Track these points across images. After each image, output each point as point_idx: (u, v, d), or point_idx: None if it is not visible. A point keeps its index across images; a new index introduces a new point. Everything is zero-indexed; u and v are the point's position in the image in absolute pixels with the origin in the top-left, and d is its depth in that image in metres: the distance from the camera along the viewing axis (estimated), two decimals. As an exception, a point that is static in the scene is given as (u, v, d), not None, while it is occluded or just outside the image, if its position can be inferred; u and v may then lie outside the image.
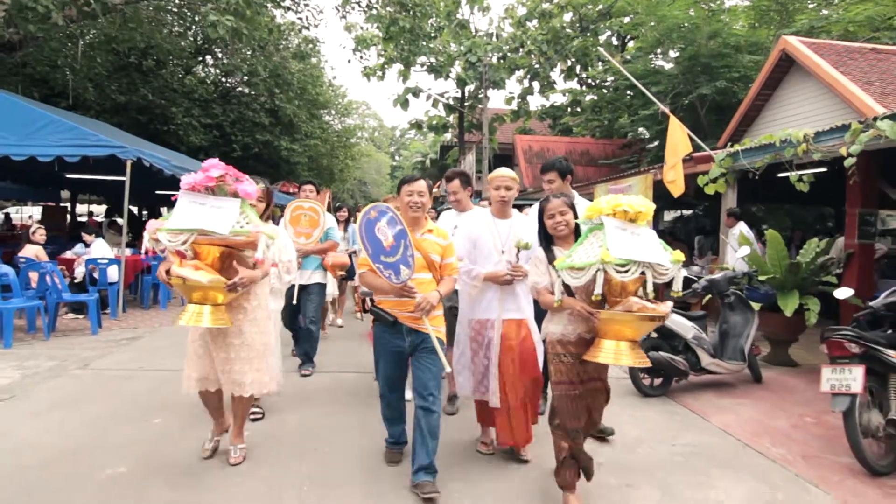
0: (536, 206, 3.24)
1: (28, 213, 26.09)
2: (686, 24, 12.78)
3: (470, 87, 21.84)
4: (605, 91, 19.54)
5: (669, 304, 2.44)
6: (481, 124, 19.83)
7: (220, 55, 17.14)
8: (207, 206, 2.72)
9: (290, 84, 16.86)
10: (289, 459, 3.17)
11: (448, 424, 3.48)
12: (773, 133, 6.64)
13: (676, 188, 6.73)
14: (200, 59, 17.83)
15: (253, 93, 17.45)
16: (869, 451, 3.23)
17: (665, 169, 6.97)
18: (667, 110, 7.20)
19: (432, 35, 13.29)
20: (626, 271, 2.33)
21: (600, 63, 19.99)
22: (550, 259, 2.72)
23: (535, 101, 23.61)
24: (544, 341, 2.81)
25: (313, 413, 3.92)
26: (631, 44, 19.04)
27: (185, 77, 17.01)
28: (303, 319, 4.84)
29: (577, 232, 2.77)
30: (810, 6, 13.72)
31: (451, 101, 22.48)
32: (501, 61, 21.03)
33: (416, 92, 21.41)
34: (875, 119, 4.31)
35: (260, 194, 3.17)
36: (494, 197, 3.31)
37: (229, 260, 2.85)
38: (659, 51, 15.32)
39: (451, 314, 3.47)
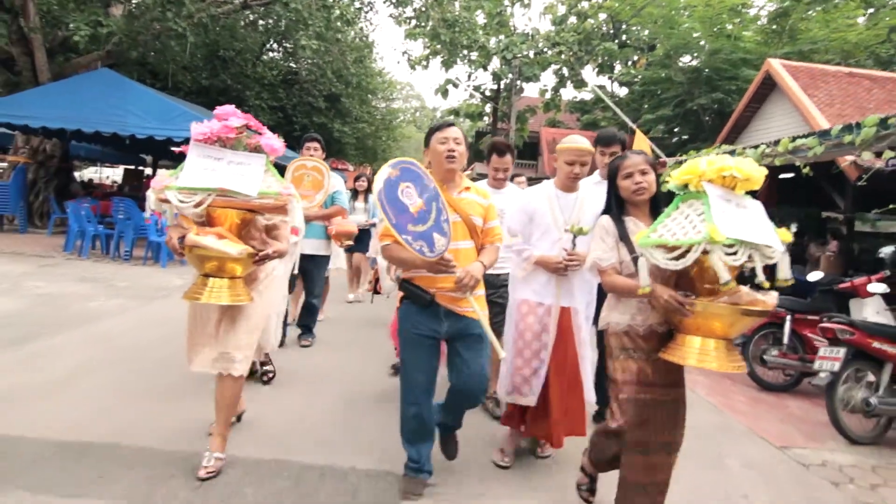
0: (596, 175, 3.19)
1: (106, 175, 29.78)
2: (690, 41, 14.63)
3: (505, 81, 23.87)
4: (635, 88, 21.38)
5: (775, 294, 2.01)
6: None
7: (287, 46, 19.75)
8: (225, 162, 2.34)
9: (349, 83, 19.57)
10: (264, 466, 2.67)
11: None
12: (761, 139, 8.22)
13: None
14: (268, 47, 20.52)
15: (313, 79, 20.12)
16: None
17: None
18: (634, 126, 9.28)
19: (468, 45, 15.49)
20: (734, 253, 1.87)
21: (630, 63, 21.79)
22: (621, 232, 2.25)
23: (568, 93, 25.35)
24: (604, 332, 2.33)
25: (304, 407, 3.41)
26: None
27: (256, 64, 19.74)
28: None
29: (653, 202, 2.33)
30: (817, 26, 15.24)
31: (488, 93, 24.59)
32: (536, 56, 22.95)
33: (455, 83, 23.58)
34: (745, 147, 6.38)
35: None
36: (567, 173, 2.78)
37: (247, 227, 2.50)
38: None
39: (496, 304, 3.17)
